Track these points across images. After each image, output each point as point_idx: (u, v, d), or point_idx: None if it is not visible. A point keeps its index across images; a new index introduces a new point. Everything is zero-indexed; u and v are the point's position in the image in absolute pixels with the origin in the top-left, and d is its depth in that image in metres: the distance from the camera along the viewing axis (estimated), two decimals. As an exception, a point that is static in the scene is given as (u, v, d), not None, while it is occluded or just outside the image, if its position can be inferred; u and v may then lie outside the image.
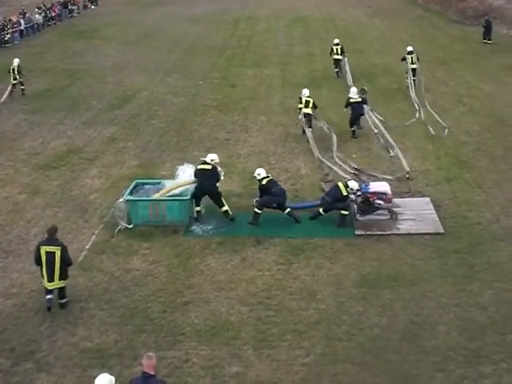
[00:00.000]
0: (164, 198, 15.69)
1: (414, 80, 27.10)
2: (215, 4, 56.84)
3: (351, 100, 22.04)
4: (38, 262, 12.34)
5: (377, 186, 15.94)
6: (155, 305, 12.49)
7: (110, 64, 34.51)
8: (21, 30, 43.85)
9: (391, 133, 21.49)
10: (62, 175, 19.18)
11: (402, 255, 13.96)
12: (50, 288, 12.34)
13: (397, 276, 13.16)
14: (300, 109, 22.06)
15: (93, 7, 59.25)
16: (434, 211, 15.81)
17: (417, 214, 15.72)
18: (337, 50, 30.25)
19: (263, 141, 21.56)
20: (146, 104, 26.55)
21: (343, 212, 15.31)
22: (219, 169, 15.98)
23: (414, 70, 27.57)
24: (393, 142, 20.24)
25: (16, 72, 27.93)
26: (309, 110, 21.88)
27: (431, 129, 21.90)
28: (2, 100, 27.17)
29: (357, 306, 12.24)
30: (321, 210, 15.66)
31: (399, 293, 12.59)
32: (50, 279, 12.27)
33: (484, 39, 37.55)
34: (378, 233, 14.93)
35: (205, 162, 15.86)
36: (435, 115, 23.23)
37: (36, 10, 48.05)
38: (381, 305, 12.23)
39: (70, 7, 54.30)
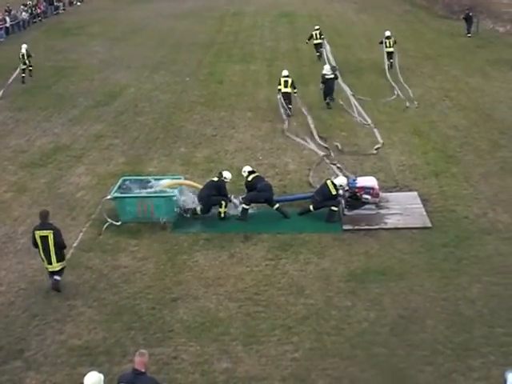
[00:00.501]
0: (151, 195, 15.66)
1: (390, 62, 29.90)
2: (201, 0, 56.70)
3: (326, 77, 24.64)
4: (36, 245, 12.72)
5: (364, 181, 15.98)
6: (144, 302, 12.45)
7: (97, 61, 34.36)
8: (6, 28, 43.55)
9: (379, 129, 21.60)
10: (49, 173, 19.06)
11: (390, 249, 13.99)
12: (50, 270, 12.75)
13: (385, 270, 13.19)
14: (279, 89, 23.74)
15: (78, 4, 58.99)
16: (422, 205, 15.86)
17: (404, 208, 15.76)
18: (316, 34, 32.91)
19: (250, 137, 21.53)
20: (132, 101, 26.44)
21: (333, 208, 15.32)
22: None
23: (389, 53, 30.24)
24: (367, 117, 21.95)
25: (26, 57, 30.08)
26: (288, 90, 23.61)
27: (407, 103, 24.53)
28: (9, 82, 28.42)
29: (345, 300, 12.25)
30: (311, 207, 15.65)
31: (387, 287, 12.62)
32: (49, 262, 12.67)
33: (467, 33, 37.93)
34: (366, 227, 14.95)
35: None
36: (409, 91, 26.05)
37: (22, 7, 47.75)
38: (369, 299, 12.26)
39: (55, 4, 54.10)
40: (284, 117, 23.15)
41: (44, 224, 12.76)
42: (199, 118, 23.80)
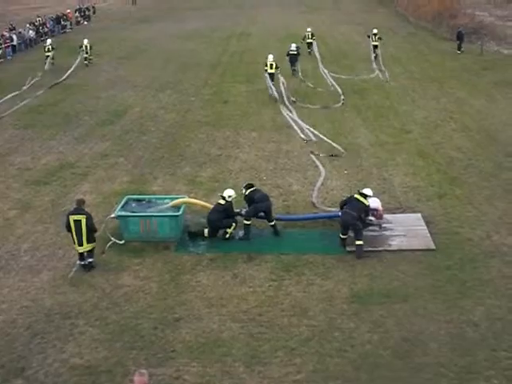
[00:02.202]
0: (155, 214, 15.68)
1: (375, 54, 37.21)
2: (207, 20, 57.25)
3: (290, 52, 33.98)
4: (68, 229, 14.27)
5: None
6: (146, 321, 12.41)
7: (103, 79, 34.60)
8: (13, 46, 43.92)
9: (382, 150, 21.66)
10: (54, 191, 19.11)
11: (394, 271, 13.94)
12: (80, 251, 14.28)
13: (388, 292, 13.14)
14: (266, 70, 30.31)
15: (85, 23, 59.62)
16: (426, 227, 15.82)
17: (408, 230, 15.73)
18: (308, 35, 40.54)
19: (255, 157, 21.59)
20: (138, 120, 26.57)
21: (358, 242, 14.72)
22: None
23: (375, 46, 37.81)
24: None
25: (88, 48, 38.35)
26: (272, 71, 30.19)
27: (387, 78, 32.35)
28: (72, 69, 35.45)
29: (348, 322, 12.20)
30: (341, 234, 15.09)
31: (391, 309, 12.57)
32: (80, 243, 14.20)
33: (459, 50, 39.43)
34: (370, 249, 14.89)
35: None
36: (386, 73, 33.63)
37: (28, 25, 48.19)
38: (372, 321, 12.20)
39: (62, 23, 54.57)
40: (270, 91, 29.32)
41: (78, 209, 14.35)
42: (204, 137, 23.88)
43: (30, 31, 47.63)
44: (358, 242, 14.70)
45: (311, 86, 31.45)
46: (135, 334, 12.03)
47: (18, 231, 16.50)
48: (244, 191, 15.95)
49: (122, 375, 10.80)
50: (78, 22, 58.91)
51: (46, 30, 50.60)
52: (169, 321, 12.40)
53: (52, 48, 38.24)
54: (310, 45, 40.28)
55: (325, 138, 23.03)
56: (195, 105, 28.86)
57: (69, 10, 58.92)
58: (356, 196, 15.18)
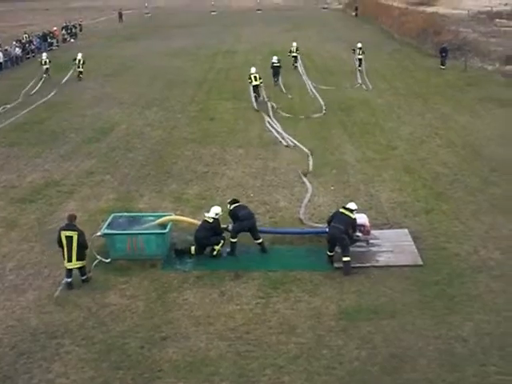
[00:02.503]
0: (142, 232, 15.59)
1: (359, 67, 39.29)
2: (193, 38, 57.44)
3: (274, 64, 35.92)
4: (60, 244, 14.24)
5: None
6: (133, 340, 12.29)
7: (89, 97, 34.54)
8: (-1, 63, 43.81)
9: (368, 166, 21.74)
10: (39, 209, 18.97)
11: (381, 287, 13.92)
12: (69, 267, 14.19)
13: (376, 308, 13.11)
14: (250, 82, 31.76)
15: (72, 40, 59.67)
16: (413, 243, 15.84)
17: (395, 245, 15.74)
18: (293, 49, 42.15)
19: (241, 174, 21.57)
20: (124, 137, 26.50)
21: (345, 259, 14.67)
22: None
23: (360, 59, 39.72)
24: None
25: (81, 62, 39.25)
26: (256, 82, 31.65)
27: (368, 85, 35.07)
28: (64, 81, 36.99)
29: (337, 339, 12.15)
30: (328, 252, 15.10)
31: (379, 325, 12.53)
32: (69, 259, 14.14)
33: (442, 65, 39.98)
34: (357, 265, 14.88)
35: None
36: (368, 83, 35.95)
37: (14, 43, 48.14)
38: (361, 338, 12.16)
39: (49, 40, 54.56)
40: (253, 101, 31.25)
41: (69, 225, 14.38)
42: (191, 154, 23.85)
43: (17, 49, 47.55)
44: (345, 259, 14.67)
45: (290, 97, 33.48)
46: (122, 353, 11.91)
47: (3, 249, 16.33)
48: (228, 206, 15.91)
49: (109, 395, 10.69)
50: (64, 40, 58.94)
51: (32, 47, 50.56)
52: (155, 340, 12.29)
53: (49, 61, 40.11)
54: (295, 59, 41.86)
55: (298, 144, 24.23)
56: (181, 122, 28.86)
57: (55, 28, 58.99)
58: (341, 210, 15.18)
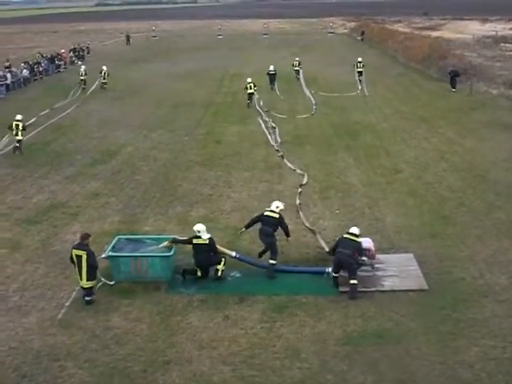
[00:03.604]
0: (146, 254, 15.56)
1: (360, 79, 44.16)
2: (200, 61, 57.88)
3: (270, 72, 43.05)
4: (72, 261, 14.50)
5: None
6: (136, 364, 12.21)
7: (95, 119, 34.73)
8: (7, 84, 44.16)
9: (374, 190, 21.74)
10: (44, 230, 18.99)
11: (387, 312, 13.83)
12: (80, 285, 14.49)
13: (381, 333, 13.02)
14: (246, 90, 37.10)
15: (79, 63, 60.10)
16: (418, 267, 15.76)
17: (400, 270, 15.66)
18: (296, 63, 47.92)
19: (247, 196, 21.58)
20: (130, 159, 26.60)
21: (352, 281, 14.65)
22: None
23: (359, 72, 44.77)
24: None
25: (107, 75, 45.56)
26: (251, 91, 37.02)
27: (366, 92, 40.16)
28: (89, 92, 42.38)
29: (341, 364, 12.05)
30: (330, 270, 15.21)
31: (384, 350, 12.43)
32: (80, 278, 14.34)
33: (452, 87, 40.61)
34: (363, 289, 14.79)
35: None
36: (365, 89, 41.21)
37: (22, 64, 48.58)
38: (366, 363, 12.06)
39: (56, 62, 55.04)
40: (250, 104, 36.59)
41: (80, 244, 14.49)
42: (196, 177, 23.90)
43: (24, 70, 47.98)
44: (352, 282, 14.61)
45: (282, 98, 40.15)
46: (125, 376, 11.83)
47: (6, 271, 16.31)
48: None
49: (111, 420, 10.60)
50: (72, 62, 59.48)
51: (40, 69, 51.00)
52: (159, 363, 12.21)
53: (86, 73, 45.00)
54: (297, 72, 47.70)
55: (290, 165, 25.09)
56: (188, 145, 28.95)
57: (63, 50, 59.57)
58: (346, 236, 15.18)
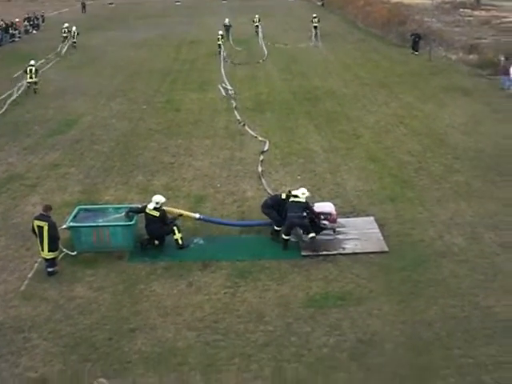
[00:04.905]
0: (108, 224, 15.47)
1: (316, 32, 48.53)
2: (157, 29, 56.96)
3: (225, 24, 49.32)
4: (34, 232, 14.34)
5: (321, 207, 16.04)
6: (100, 333, 12.22)
7: (52, 89, 34.01)
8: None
9: (336, 155, 21.89)
10: (3, 202, 18.69)
11: (348, 274, 14.06)
12: (42, 256, 14.35)
13: (343, 295, 13.25)
14: (218, 40, 43.79)
15: (34, 32, 58.68)
16: (379, 230, 16.01)
17: (361, 233, 15.89)
18: (256, 19, 52.11)
19: (208, 164, 21.51)
20: (88, 129, 26.21)
21: (311, 235, 15.05)
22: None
23: (315, 26, 48.99)
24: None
25: (76, 34, 47.58)
26: (219, 42, 43.51)
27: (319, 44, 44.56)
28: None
29: (305, 326, 12.25)
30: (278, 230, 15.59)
31: (346, 312, 12.67)
32: (42, 249, 14.20)
33: (414, 51, 41.92)
34: (324, 253, 15.00)
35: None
36: (319, 42, 46.04)
37: (-25, 35, 47.27)
38: (328, 324, 12.28)
39: (11, 32, 53.58)
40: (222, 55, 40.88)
41: (42, 215, 14.34)
42: (156, 145, 23.70)
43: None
44: (310, 235, 14.96)
45: (238, 49, 45.50)
46: (90, 346, 11.84)
47: (-34, 244, 16.08)
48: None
49: (77, 388, 10.63)
50: (26, 31, 57.95)
51: (-6, 39, 49.73)
52: (124, 331, 12.25)
53: (68, 31, 48.37)
54: (257, 27, 51.62)
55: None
56: (147, 113, 28.64)
57: (18, 19, 57.91)
58: (292, 200, 15.49)
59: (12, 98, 30.67)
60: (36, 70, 33.10)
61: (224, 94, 31.35)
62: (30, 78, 32.66)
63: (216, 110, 28.83)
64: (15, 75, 35.52)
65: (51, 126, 26.63)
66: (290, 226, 15.22)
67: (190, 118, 27.57)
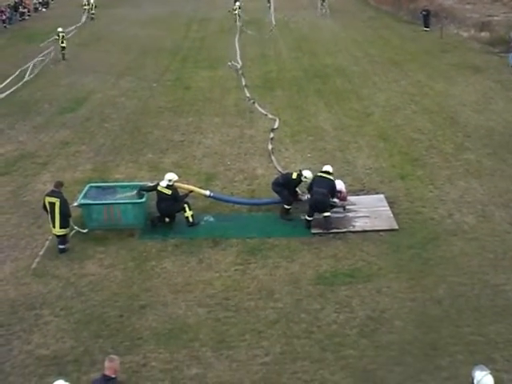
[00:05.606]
0: (119, 202, 15.54)
1: (322, 3, 50.35)
2: (167, 6, 56.61)
3: (237, 4, 47.94)
4: (45, 209, 14.35)
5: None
6: (112, 309, 12.35)
7: (62, 67, 34.02)
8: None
9: (346, 133, 21.81)
10: (14, 181, 18.80)
11: (358, 252, 14.09)
12: (53, 233, 14.40)
13: (353, 273, 13.29)
14: (234, 10, 47.18)
15: (44, 10, 58.49)
16: (389, 208, 16.01)
17: (371, 211, 15.89)
18: None
19: (218, 142, 21.50)
20: (98, 107, 26.21)
21: (326, 214, 15.04)
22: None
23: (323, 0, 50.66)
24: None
25: (94, 6, 50.70)
26: (236, 12, 46.32)
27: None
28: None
29: (314, 303, 12.31)
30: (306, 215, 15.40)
31: (356, 289, 12.72)
32: (53, 225, 14.23)
33: (426, 27, 41.74)
34: (334, 231, 15.02)
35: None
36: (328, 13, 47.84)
37: (-16, 13, 47.14)
38: (338, 301, 12.34)
39: (20, 10, 53.41)
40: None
41: (54, 191, 14.40)
42: (166, 123, 23.69)
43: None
44: (325, 214, 14.95)
45: (247, 18, 47.40)
46: (101, 322, 11.98)
47: (-23, 222, 16.21)
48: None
49: (89, 364, 10.79)
50: (36, 9, 57.74)
51: (3, 17, 49.49)
52: (135, 308, 12.36)
53: (88, 3, 51.30)
54: (269, 1, 53.04)
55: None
56: (157, 91, 28.58)
57: (27, -3, 57.75)
58: (320, 174, 15.33)
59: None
60: (63, 37, 35.91)
61: (234, 69, 31.40)
62: (62, 43, 35.53)
63: (226, 87, 28.72)
64: (42, 44, 38.11)
65: (61, 104, 26.66)
66: (313, 205, 15.06)
67: (199, 95, 27.50)
